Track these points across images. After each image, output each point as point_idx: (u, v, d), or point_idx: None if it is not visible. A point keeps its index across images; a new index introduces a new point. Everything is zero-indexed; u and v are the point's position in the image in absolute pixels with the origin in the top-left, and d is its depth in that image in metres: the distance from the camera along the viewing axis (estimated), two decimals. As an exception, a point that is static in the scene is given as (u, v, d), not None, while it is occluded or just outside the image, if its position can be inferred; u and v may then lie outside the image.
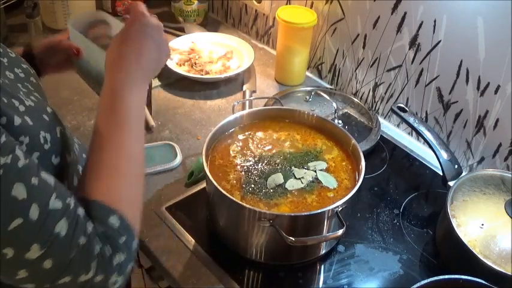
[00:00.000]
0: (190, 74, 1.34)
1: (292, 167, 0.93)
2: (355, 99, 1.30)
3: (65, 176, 0.68)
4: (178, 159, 1.10)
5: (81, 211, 0.58)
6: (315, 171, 0.92)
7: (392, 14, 1.16)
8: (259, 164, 0.94)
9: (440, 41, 1.10)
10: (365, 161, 0.91)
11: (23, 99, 0.62)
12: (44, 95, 0.74)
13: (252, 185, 0.89)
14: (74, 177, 0.71)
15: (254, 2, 1.52)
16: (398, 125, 1.28)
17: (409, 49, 1.17)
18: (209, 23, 1.64)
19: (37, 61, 0.88)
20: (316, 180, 0.91)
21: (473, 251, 0.85)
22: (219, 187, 0.84)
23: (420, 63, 1.16)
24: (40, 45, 0.92)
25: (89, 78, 0.88)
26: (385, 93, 1.28)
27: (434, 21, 1.09)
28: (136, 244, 0.64)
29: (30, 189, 0.53)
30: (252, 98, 1.29)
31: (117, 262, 0.60)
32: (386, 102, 1.28)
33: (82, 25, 0.85)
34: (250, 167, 0.93)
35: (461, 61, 1.08)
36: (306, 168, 0.93)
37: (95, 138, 0.65)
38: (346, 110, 1.29)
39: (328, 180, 0.91)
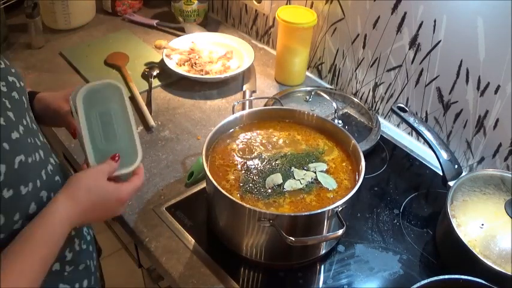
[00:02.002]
0: (190, 74, 1.34)
1: (292, 168, 0.93)
2: (355, 99, 1.30)
3: (17, 208, 0.66)
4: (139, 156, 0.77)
5: None
6: (315, 173, 0.92)
7: (392, 14, 1.16)
8: (259, 164, 0.94)
9: (440, 41, 1.10)
10: (365, 161, 0.91)
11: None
12: (23, 112, 0.71)
13: (250, 184, 0.89)
14: (31, 206, 0.68)
15: (254, 2, 1.52)
16: (398, 125, 1.28)
17: (409, 49, 1.17)
18: (209, 23, 1.64)
19: (34, 112, 0.82)
20: (316, 181, 0.91)
21: (473, 251, 0.85)
22: (219, 187, 0.84)
23: (420, 63, 1.16)
24: (42, 101, 0.87)
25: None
26: (385, 93, 1.28)
27: (434, 21, 1.09)
28: None
29: None
30: (252, 98, 1.29)
31: None
32: (387, 102, 1.28)
33: (85, 99, 0.76)
34: (250, 167, 0.93)
35: (461, 61, 1.08)
36: (306, 169, 0.93)
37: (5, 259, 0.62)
38: (346, 110, 1.29)
39: (328, 182, 0.91)
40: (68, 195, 0.68)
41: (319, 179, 0.91)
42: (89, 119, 0.74)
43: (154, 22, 1.60)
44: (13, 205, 0.65)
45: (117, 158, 0.73)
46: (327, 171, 0.94)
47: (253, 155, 0.96)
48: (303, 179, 0.91)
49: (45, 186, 0.70)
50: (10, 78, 0.71)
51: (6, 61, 0.73)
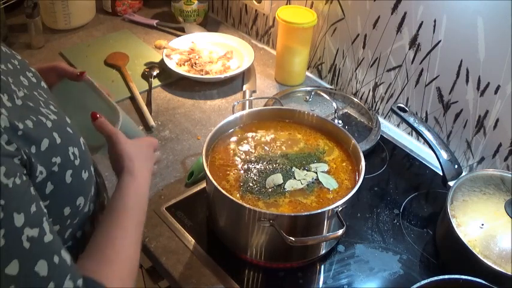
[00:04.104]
0: (190, 74, 1.34)
1: (293, 168, 0.93)
2: (355, 99, 1.30)
3: (90, 189, 0.68)
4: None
5: None
6: (316, 173, 0.92)
7: (392, 14, 1.16)
8: (259, 164, 0.94)
9: (440, 41, 1.10)
10: (365, 161, 0.91)
11: (47, 114, 0.61)
12: (53, 99, 0.73)
13: (251, 184, 0.89)
14: (92, 188, 0.70)
15: (254, 2, 1.52)
16: (398, 125, 1.28)
17: (409, 49, 1.17)
18: (209, 23, 1.64)
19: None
20: (316, 181, 0.91)
21: (473, 251, 0.85)
22: (218, 187, 0.84)
23: (420, 63, 1.16)
24: (41, 65, 0.88)
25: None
26: (385, 93, 1.28)
27: (434, 21, 1.09)
28: None
29: (51, 267, 0.53)
30: (252, 98, 1.29)
31: None
32: (387, 102, 1.28)
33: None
34: (250, 167, 0.93)
35: (461, 61, 1.08)
36: (307, 170, 0.93)
37: (105, 222, 0.68)
38: (346, 110, 1.29)
39: (329, 182, 0.91)
40: (125, 171, 0.75)
41: (320, 180, 0.91)
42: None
43: (154, 22, 1.60)
44: (88, 186, 0.67)
45: (98, 115, 0.79)
46: (328, 172, 0.94)
47: (253, 155, 0.96)
48: (304, 179, 0.91)
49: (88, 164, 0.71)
50: (32, 69, 0.72)
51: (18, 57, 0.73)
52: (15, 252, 0.50)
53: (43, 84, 0.71)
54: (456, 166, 1.04)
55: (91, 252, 0.65)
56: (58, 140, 0.60)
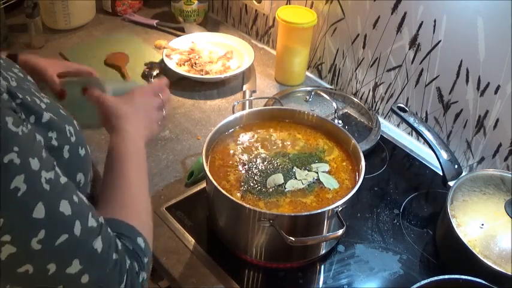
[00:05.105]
0: (190, 74, 1.34)
1: (294, 168, 0.93)
2: (355, 99, 1.30)
3: (88, 166, 0.70)
4: None
5: (110, 229, 0.61)
6: (317, 173, 0.92)
7: (392, 14, 1.16)
8: (260, 164, 0.94)
9: (440, 41, 1.10)
10: (365, 161, 0.91)
11: (40, 97, 0.63)
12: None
13: (251, 184, 0.89)
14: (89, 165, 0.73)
15: (254, 2, 1.52)
16: (398, 125, 1.28)
17: (409, 49, 1.17)
18: (209, 23, 1.64)
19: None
20: (317, 181, 0.91)
21: (473, 251, 0.85)
22: (218, 187, 0.84)
23: (420, 63, 1.16)
24: (26, 61, 0.91)
25: None
26: (385, 93, 1.28)
27: (434, 21, 1.09)
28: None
29: (73, 206, 0.55)
30: (252, 98, 1.29)
31: (142, 279, 0.64)
32: (387, 102, 1.28)
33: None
34: (251, 167, 0.93)
35: (461, 61, 1.08)
36: (308, 170, 0.93)
37: (114, 173, 0.72)
38: (346, 110, 1.29)
39: (330, 182, 0.91)
40: (114, 130, 0.78)
41: (321, 179, 0.91)
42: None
43: (154, 22, 1.60)
44: (87, 163, 0.69)
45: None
46: (328, 172, 0.94)
47: (253, 155, 0.96)
48: (304, 179, 0.91)
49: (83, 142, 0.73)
50: (17, 66, 0.73)
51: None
52: (38, 195, 0.52)
53: (30, 78, 0.73)
54: (456, 166, 1.04)
55: (103, 206, 0.67)
56: (54, 117, 0.62)
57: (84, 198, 0.59)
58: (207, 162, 0.89)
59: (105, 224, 0.61)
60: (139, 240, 0.65)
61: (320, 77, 1.44)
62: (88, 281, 0.57)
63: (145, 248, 0.66)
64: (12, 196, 0.49)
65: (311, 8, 1.34)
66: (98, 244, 0.58)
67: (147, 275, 0.65)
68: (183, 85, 1.35)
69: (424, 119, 1.20)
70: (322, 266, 0.93)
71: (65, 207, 0.54)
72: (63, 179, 0.56)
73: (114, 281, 0.60)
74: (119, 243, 0.62)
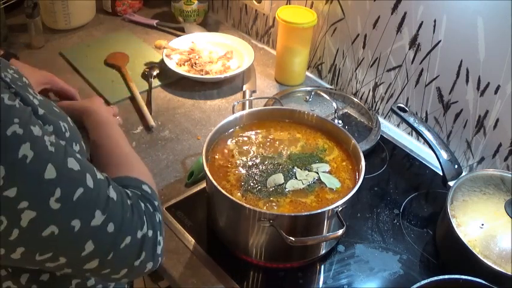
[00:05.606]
0: (190, 74, 1.34)
1: (295, 168, 0.93)
2: (355, 99, 1.30)
3: None
4: None
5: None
6: (317, 173, 0.92)
7: (392, 14, 1.16)
8: (260, 164, 0.94)
9: (440, 41, 1.10)
10: (365, 161, 0.91)
11: (34, 94, 0.64)
12: None
13: (251, 184, 0.89)
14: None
15: (254, 2, 1.52)
16: (398, 125, 1.28)
17: (409, 49, 1.17)
18: (209, 23, 1.64)
19: None
20: (318, 181, 0.91)
21: (473, 251, 0.85)
22: (219, 187, 0.84)
23: (420, 63, 1.16)
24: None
25: None
26: (385, 93, 1.28)
27: (434, 21, 1.09)
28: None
29: (79, 161, 0.59)
30: (252, 98, 1.29)
31: (158, 219, 0.68)
32: (387, 102, 1.28)
33: None
34: (251, 167, 0.93)
35: (461, 61, 1.08)
36: (308, 170, 0.93)
37: (112, 154, 0.80)
38: (346, 110, 1.29)
39: (332, 182, 0.91)
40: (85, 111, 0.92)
41: (322, 180, 0.91)
42: None
43: (154, 22, 1.60)
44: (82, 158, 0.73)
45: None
46: (329, 172, 0.94)
47: (253, 155, 0.96)
48: (305, 179, 0.91)
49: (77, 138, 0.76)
50: (13, 67, 0.75)
51: None
52: (46, 158, 0.54)
53: (24, 79, 0.74)
54: (456, 166, 1.04)
55: (102, 171, 0.70)
56: (48, 114, 0.63)
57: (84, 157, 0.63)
58: (207, 162, 0.89)
59: (110, 178, 0.65)
60: (145, 187, 0.71)
61: (320, 77, 1.44)
62: (114, 230, 0.60)
63: (152, 192, 0.72)
64: (22, 164, 0.52)
65: (311, 8, 1.34)
66: (112, 193, 0.62)
67: (161, 215, 0.70)
68: (183, 85, 1.35)
69: (424, 119, 1.20)
70: (322, 266, 0.93)
71: (72, 164, 0.57)
72: (63, 142, 0.59)
73: (136, 225, 0.63)
74: (129, 191, 0.67)
